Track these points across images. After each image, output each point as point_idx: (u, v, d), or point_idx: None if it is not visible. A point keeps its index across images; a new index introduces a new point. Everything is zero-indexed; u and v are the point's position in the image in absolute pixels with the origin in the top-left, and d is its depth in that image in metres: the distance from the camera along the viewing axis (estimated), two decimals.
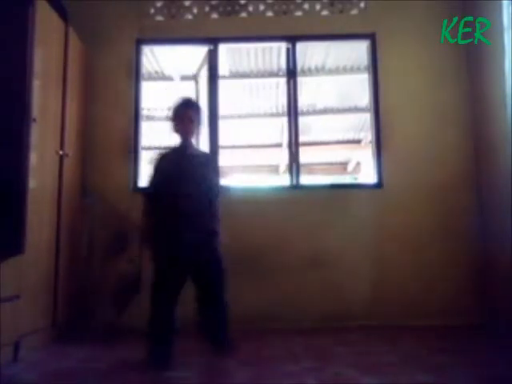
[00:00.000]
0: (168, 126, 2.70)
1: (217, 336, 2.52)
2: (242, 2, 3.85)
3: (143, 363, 2.39)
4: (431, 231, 3.53)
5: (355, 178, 8.73)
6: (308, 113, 6.50)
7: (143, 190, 2.59)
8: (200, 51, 3.98)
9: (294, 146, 3.76)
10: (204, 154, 2.79)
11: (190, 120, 2.61)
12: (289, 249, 3.51)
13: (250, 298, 3.33)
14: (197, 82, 4.25)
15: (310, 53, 4.76)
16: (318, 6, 3.84)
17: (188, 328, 2.43)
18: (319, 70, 5.32)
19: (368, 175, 5.06)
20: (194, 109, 2.67)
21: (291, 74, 3.87)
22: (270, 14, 3.84)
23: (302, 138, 3.90)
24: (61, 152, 3.11)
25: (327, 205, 3.59)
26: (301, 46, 4.01)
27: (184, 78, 5.34)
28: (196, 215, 2.49)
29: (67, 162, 3.20)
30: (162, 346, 2.40)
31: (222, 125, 3.90)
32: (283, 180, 6.35)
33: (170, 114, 2.71)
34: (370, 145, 3.92)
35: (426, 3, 3.77)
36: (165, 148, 2.67)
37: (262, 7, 3.84)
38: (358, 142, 7.90)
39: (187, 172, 2.53)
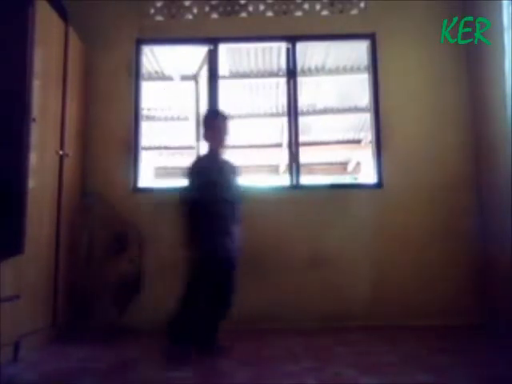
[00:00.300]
0: (200, 131, 2.86)
1: (209, 336, 2.63)
2: (242, 1, 3.85)
3: (161, 358, 2.48)
4: (431, 231, 3.53)
5: (355, 178, 8.73)
6: (308, 113, 6.50)
7: (182, 193, 2.68)
8: (200, 51, 3.98)
9: (294, 146, 3.76)
10: (229, 162, 2.87)
11: (223, 130, 2.75)
12: (289, 249, 3.51)
13: (250, 298, 3.32)
14: (197, 82, 4.25)
15: (310, 53, 4.76)
16: (318, 6, 3.84)
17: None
18: (319, 70, 5.32)
19: (368, 175, 5.06)
20: (225, 120, 2.80)
21: (291, 74, 3.87)
22: (270, 13, 3.84)
23: (301, 138, 3.91)
24: (61, 152, 3.11)
25: (327, 205, 3.59)
26: (301, 46, 4.01)
27: (184, 77, 5.34)
28: (231, 219, 2.65)
29: (67, 162, 3.20)
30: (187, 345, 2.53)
31: None
32: (283, 180, 6.34)
33: (203, 122, 2.85)
34: (370, 145, 3.92)
35: (426, 3, 3.77)
36: (197, 156, 2.88)
37: (262, 7, 3.84)
38: (358, 141, 7.90)
39: (221, 178, 2.68)
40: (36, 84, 2.70)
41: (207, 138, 2.77)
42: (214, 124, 2.77)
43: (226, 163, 2.80)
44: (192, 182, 2.68)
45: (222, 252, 2.59)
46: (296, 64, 3.88)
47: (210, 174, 2.65)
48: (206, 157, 2.80)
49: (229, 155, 2.85)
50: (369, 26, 3.79)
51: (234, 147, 7.40)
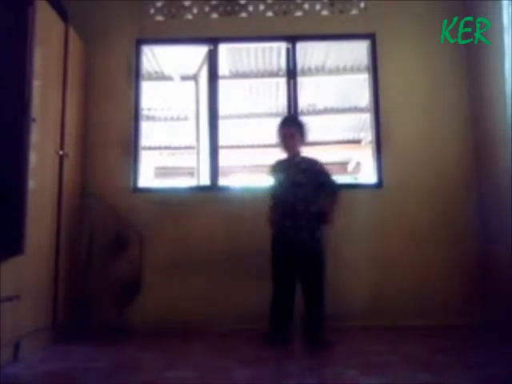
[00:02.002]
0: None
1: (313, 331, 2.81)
2: (242, 2, 3.85)
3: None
4: (431, 231, 3.53)
5: (355, 178, 8.73)
6: (308, 113, 6.50)
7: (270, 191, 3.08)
8: (200, 51, 3.98)
9: None
10: (310, 161, 3.04)
11: (287, 137, 2.97)
12: None
13: (250, 298, 3.33)
14: (197, 82, 4.25)
15: (310, 53, 4.76)
16: (318, 6, 3.84)
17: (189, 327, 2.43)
18: (319, 70, 5.32)
19: (368, 175, 5.06)
20: (292, 126, 3.02)
21: (291, 74, 3.87)
22: (269, 14, 3.84)
23: None
24: (61, 152, 3.11)
25: None
26: (301, 46, 4.00)
27: (184, 77, 5.34)
28: (304, 214, 2.86)
29: (67, 162, 3.20)
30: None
31: (222, 125, 3.90)
32: None
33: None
34: (370, 145, 3.92)
35: (426, 3, 3.77)
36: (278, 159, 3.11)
37: (261, 7, 3.84)
38: (358, 141, 7.90)
39: (294, 178, 2.92)
40: (36, 84, 2.70)
41: (279, 145, 3.06)
42: (278, 132, 3.03)
43: (303, 162, 2.99)
44: (273, 182, 3.05)
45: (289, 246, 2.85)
46: (296, 64, 3.88)
47: (282, 175, 2.98)
48: (282, 159, 3.07)
49: (311, 154, 3.08)
50: (369, 26, 3.79)
51: (234, 147, 7.45)
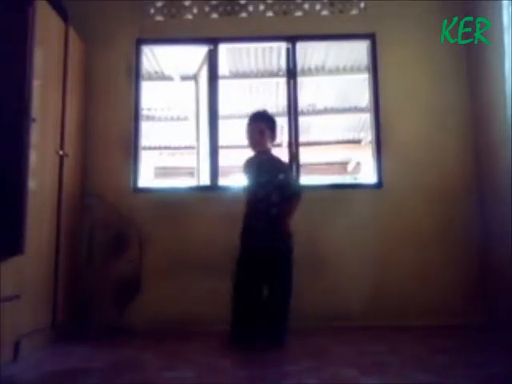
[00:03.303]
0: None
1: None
2: (242, 2, 3.85)
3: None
4: (431, 231, 3.53)
5: (355, 178, 8.73)
6: (308, 113, 6.50)
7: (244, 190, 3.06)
8: (200, 51, 3.98)
9: (294, 145, 3.76)
10: (275, 160, 2.97)
11: (252, 133, 2.91)
12: None
13: None
14: (197, 82, 4.25)
15: (310, 53, 4.76)
16: (318, 6, 3.83)
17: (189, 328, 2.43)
18: (319, 70, 5.32)
19: (368, 175, 5.06)
20: (261, 122, 2.92)
21: (291, 74, 3.87)
22: (269, 14, 3.84)
23: (301, 138, 3.91)
24: (61, 152, 3.11)
25: (327, 205, 3.59)
26: (301, 46, 4.00)
27: (184, 77, 5.35)
28: (265, 214, 2.81)
29: (67, 162, 3.20)
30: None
31: (222, 125, 3.89)
32: None
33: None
34: (370, 145, 3.92)
35: (426, 3, 3.77)
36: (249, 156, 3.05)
37: (261, 7, 3.84)
38: (358, 141, 7.90)
39: (258, 178, 2.87)
40: (36, 84, 2.70)
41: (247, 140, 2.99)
42: (247, 128, 2.96)
43: (267, 161, 2.91)
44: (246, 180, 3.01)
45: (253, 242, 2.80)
46: (296, 64, 3.87)
47: (248, 174, 2.93)
48: (250, 157, 3.01)
49: (279, 154, 3.03)
50: (369, 26, 3.79)
51: (234, 147, 7.44)
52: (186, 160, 7.89)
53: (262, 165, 2.90)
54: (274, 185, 2.83)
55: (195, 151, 4.16)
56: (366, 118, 5.59)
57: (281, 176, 2.87)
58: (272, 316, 2.77)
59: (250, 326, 2.76)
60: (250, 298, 2.78)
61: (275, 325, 2.76)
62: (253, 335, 2.73)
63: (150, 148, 7.84)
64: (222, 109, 3.93)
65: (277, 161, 2.96)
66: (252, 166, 2.94)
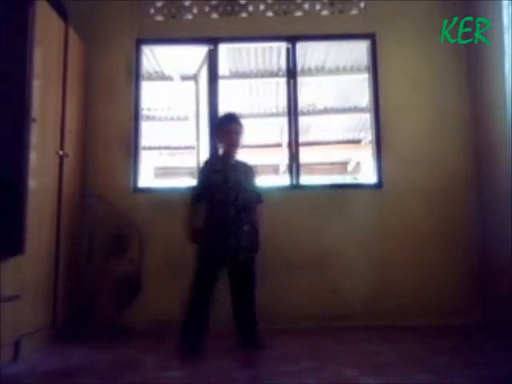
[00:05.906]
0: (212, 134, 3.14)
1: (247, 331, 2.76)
2: (242, 2, 3.85)
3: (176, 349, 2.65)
4: (431, 231, 3.53)
5: (355, 178, 8.73)
6: (308, 113, 6.50)
7: (190, 192, 2.93)
8: (200, 51, 3.98)
9: (294, 145, 3.76)
10: (243, 164, 2.97)
11: (236, 134, 2.88)
12: (288, 249, 3.50)
13: None
14: (197, 82, 4.25)
15: (310, 53, 4.77)
16: (318, 6, 3.83)
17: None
18: (319, 70, 5.33)
19: (368, 175, 5.06)
20: (239, 123, 2.92)
21: (291, 73, 3.87)
22: (269, 14, 3.84)
23: (301, 138, 3.91)
24: (61, 152, 3.11)
25: (327, 205, 3.59)
26: (301, 46, 4.00)
27: (184, 77, 5.35)
28: (235, 220, 2.74)
29: (67, 162, 3.20)
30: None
31: None
32: (283, 180, 6.34)
33: (217, 126, 3.04)
34: (370, 145, 3.92)
35: (426, 3, 3.77)
36: (209, 156, 3.02)
37: (262, 7, 3.84)
38: (358, 141, 7.90)
39: (231, 181, 2.79)
40: (36, 84, 2.70)
41: (219, 140, 2.96)
42: (224, 127, 2.91)
43: (239, 165, 2.90)
44: (198, 183, 2.91)
45: (220, 252, 2.74)
46: (296, 64, 3.87)
47: (215, 176, 2.81)
48: (216, 159, 2.98)
49: (243, 156, 2.98)
50: (369, 26, 3.79)
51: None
52: (185, 160, 7.89)
53: (233, 167, 2.86)
54: (244, 189, 2.81)
55: (195, 151, 4.16)
56: (366, 118, 5.60)
57: (253, 181, 2.91)
58: (250, 320, 2.78)
59: (201, 327, 2.74)
60: (207, 299, 2.74)
61: (254, 328, 2.77)
62: (202, 338, 2.71)
63: (150, 148, 7.84)
64: (222, 109, 3.92)
65: (246, 165, 2.96)
66: (222, 166, 2.85)
